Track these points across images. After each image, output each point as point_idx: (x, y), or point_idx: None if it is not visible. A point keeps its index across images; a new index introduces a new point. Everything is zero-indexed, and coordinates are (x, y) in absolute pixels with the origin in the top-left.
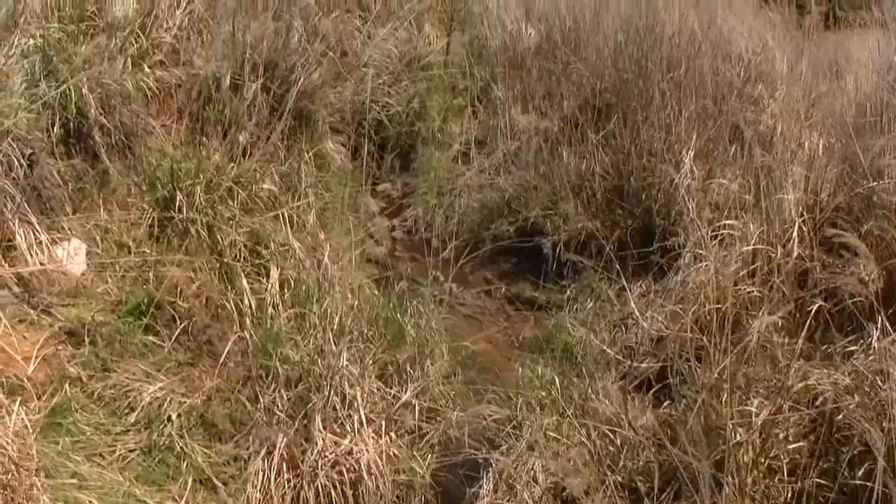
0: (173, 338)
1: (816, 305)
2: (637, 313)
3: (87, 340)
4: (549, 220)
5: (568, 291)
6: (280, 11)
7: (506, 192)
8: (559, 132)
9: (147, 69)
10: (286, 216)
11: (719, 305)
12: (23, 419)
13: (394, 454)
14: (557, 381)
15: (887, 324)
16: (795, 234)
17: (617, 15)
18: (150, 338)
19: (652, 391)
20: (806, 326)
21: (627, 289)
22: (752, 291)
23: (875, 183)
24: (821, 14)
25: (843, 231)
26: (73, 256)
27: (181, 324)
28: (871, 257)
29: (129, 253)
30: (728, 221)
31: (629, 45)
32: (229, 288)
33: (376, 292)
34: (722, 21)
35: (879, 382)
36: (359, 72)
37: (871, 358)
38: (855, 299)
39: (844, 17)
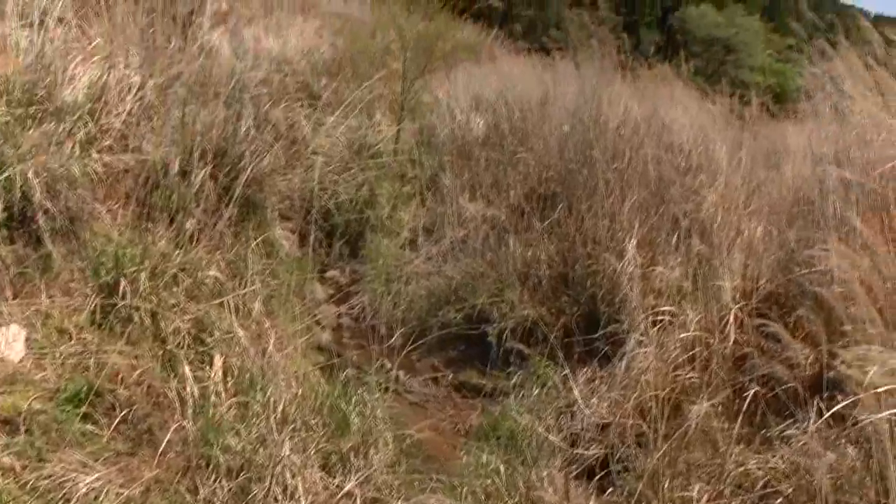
0: (112, 426)
1: (753, 391)
2: (581, 400)
3: (22, 429)
4: (496, 307)
5: (514, 378)
6: (231, 99)
7: (453, 279)
8: (506, 220)
9: (95, 154)
10: (232, 303)
11: (660, 392)
12: None
13: None
14: (502, 469)
15: (821, 406)
16: (732, 320)
17: (563, 106)
18: (89, 426)
19: (596, 478)
20: (743, 411)
21: (571, 377)
22: (692, 377)
23: (806, 271)
24: (760, 105)
25: (773, 321)
26: (11, 343)
27: (121, 412)
28: (798, 345)
29: (70, 339)
30: (667, 308)
31: (575, 135)
32: (172, 376)
33: (322, 380)
34: (665, 112)
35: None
36: (308, 159)
37: (801, 443)
38: (786, 385)
39: (782, 108)
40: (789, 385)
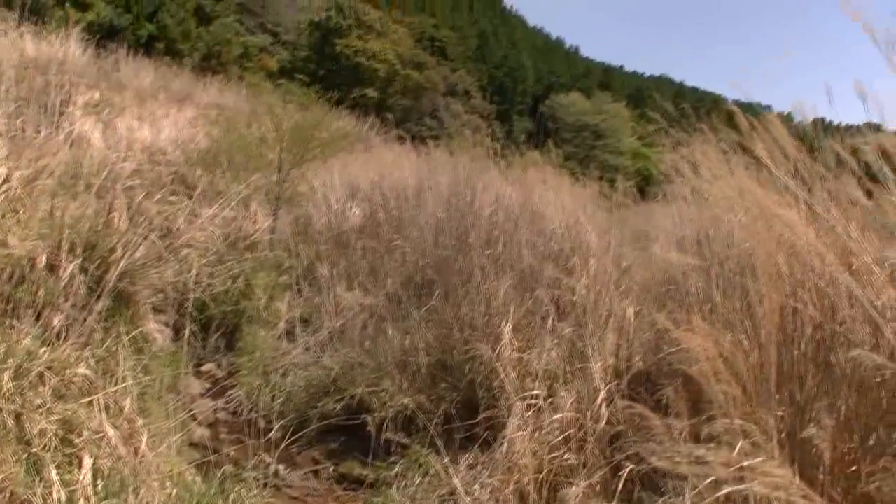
0: None
1: (628, 468)
2: (461, 488)
3: None
4: (376, 396)
5: (396, 468)
6: (103, 190)
7: (332, 370)
8: (384, 308)
9: None
10: (102, 402)
11: (538, 475)
12: None
13: None
14: None
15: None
16: (603, 400)
17: (438, 194)
18: None
19: None
20: (619, 490)
21: (451, 465)
22: (569, 458)
23: (674, 349)
24: (628, 188)
25: (644, 399)
26: None
27: None
28: (660, 425)
29: None
30: (538, 392)
31: (450, 222)
32: (37, 480)
33: (198, 479)
34: (537, 197)
35: None
36: (183, 251)
37: None
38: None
39: (650, 190)
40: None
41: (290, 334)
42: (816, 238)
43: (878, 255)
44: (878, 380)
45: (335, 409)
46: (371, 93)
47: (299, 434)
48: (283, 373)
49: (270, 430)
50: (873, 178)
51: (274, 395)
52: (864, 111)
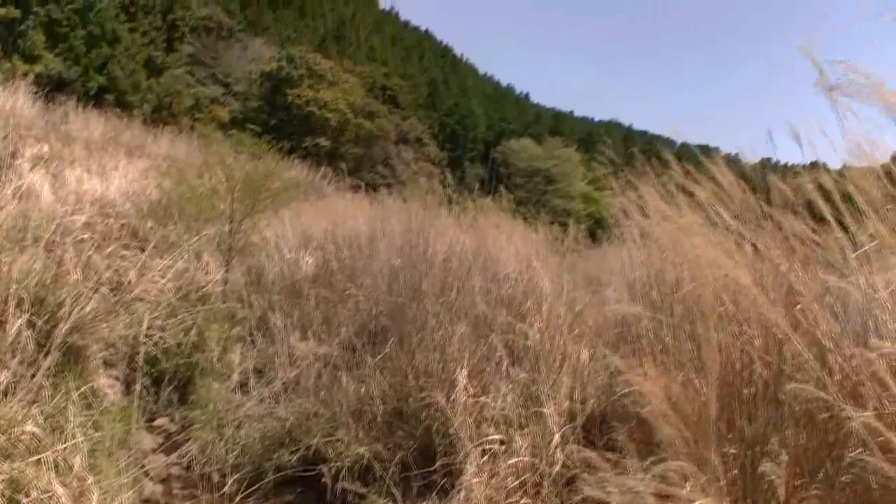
0: None
1: None
2: None
3: None
4: (332, 446)
5: None
6: (51, 244)
7: (287, 420)
8: (338, 357)
9: None
10: (51, 459)
11: None
12: None
13: None
14: None
15: None
16: (557, 443)
17: (392, 241)
18: None
19: None
20: None
21: None
22: (524, 502)
23: (625, 391)
24: (580, 232)
25: (596, 442)
26: None
27: None
28: (610, 470)
29: None
30: (494, 437)
31: (404, 270)
32: None
33: None
34: (490, 243)
35: None
36: (134, 305)
37: None
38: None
39: (602, 233)
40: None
41: (243, 386)
42: (753, 282)
43: (820, 290)
44: (825, 415)
45: (291, 460)
46: (323, 142)
47: (254, 487)
48: (237, 425)
49: (225, 484)
50: (815, 215)
51: (228, 449)
52: (801, 152)
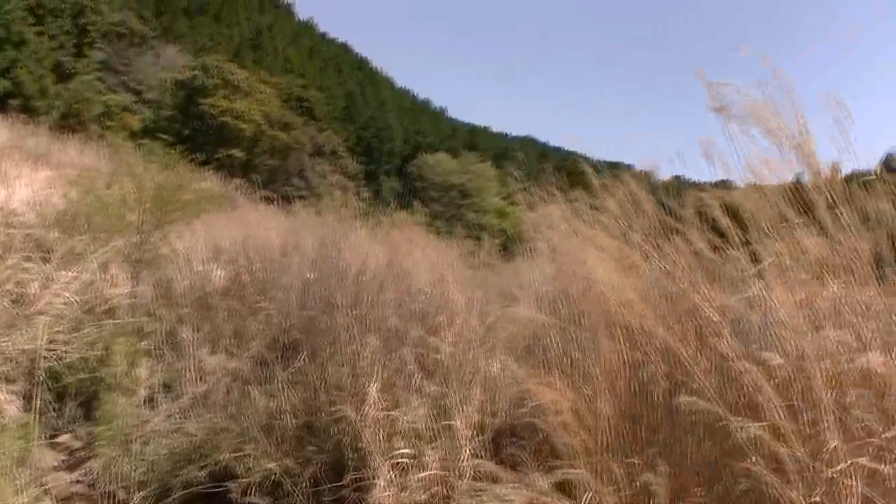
0: None
1: None
2: None
3: None
4: (241, 461)
5: None
6: None
7: (195, 436)
8: (248, 372)
9: None
10: None
11: None
12: None
13: None
14: None
15: None
16: (467, 456)
17: (304, 255)
18: None
19: None
20: None
21: None
22: None
23: (533, 403)
24: (494, 246)
25: (503, 454)
26: None
27: None
28: (513, 481)
29: None
30: (404, 451)
31: (316, 283)
32: None
33: None
34: (404, 257)
35: None
36: (36, 318)
37: None
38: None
39: (516, 247)
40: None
41: (151, 401)
42: (640, 297)
43: (721, 305)
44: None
45: (199, 476)
46: (237, 153)
47: None
48: (144, 441)
49: (130, 501)
50: (720, 232)
51: (134, 465)
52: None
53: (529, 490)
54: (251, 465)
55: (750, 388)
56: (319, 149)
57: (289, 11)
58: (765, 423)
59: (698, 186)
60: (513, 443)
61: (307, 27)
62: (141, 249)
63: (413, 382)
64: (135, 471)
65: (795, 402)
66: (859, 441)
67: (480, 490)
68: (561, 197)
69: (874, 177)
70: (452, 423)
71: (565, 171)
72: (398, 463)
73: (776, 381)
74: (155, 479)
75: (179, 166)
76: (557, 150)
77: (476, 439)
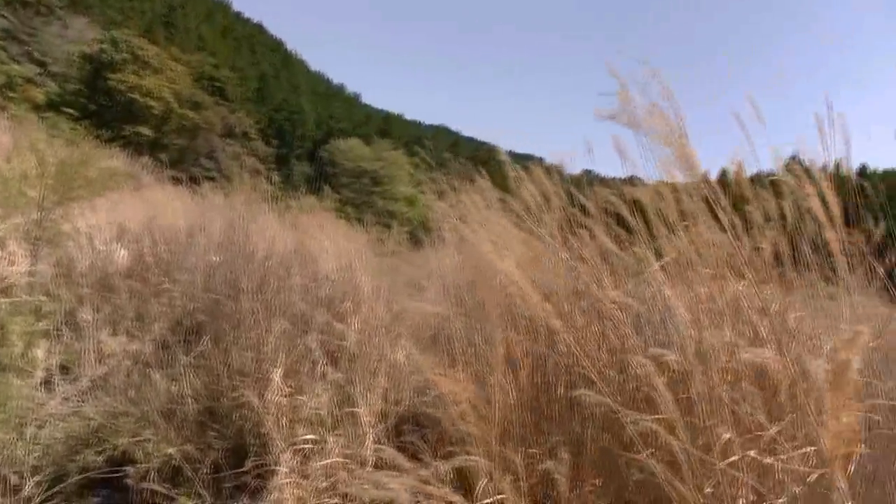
0: None
1: None
2: None
3: None
4: (141, 446)
5: None
6: None
7: (93, 420)
8: (150, 355)
9: None
10: None
11: None
12: None
13: None
14: None
15: None
16: (370, 443)
17: (211, 237)
18: None
19: None
20: None
21: None
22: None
23: (435, 392)
24: (405, 234)
25: (403, 444)
26: None
27: None
28: (410, 467)
29: None
30: (307, 438)
31: (222, 266)
32: None
33: None
34: (312, 242)
35: None
36: None
37: None
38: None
39: (426, 235)
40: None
41: (48, 384)
42: (534, 290)
43: (622, 299)
44: (616, 416)
45: (96, 461)
46: (145, 131)
47: (56, 489)
48: (39, 425)
49: (23, 486)
50: (627, 227)
51: (28, 449)
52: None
53: (413, 478)
54: (150, 451)
55: (646, 382)
56: (230, 130)
57: None
58: (659, 417)
59: (607, 182)
60: (415, 431)
61: (221, 5)
62: (41, 227)
63: (318, 369)
64: (29, 455)
65: (691, 396)
66: (750, 435)
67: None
68: (471, 187)
69: (777, 176)
70: (356, 410)
71: (478, 160)
72: (300, 450)
73: (672, 375)
74: (50, 463)
75: (84, 142)
76: (470, 140)
77: (379, 427)
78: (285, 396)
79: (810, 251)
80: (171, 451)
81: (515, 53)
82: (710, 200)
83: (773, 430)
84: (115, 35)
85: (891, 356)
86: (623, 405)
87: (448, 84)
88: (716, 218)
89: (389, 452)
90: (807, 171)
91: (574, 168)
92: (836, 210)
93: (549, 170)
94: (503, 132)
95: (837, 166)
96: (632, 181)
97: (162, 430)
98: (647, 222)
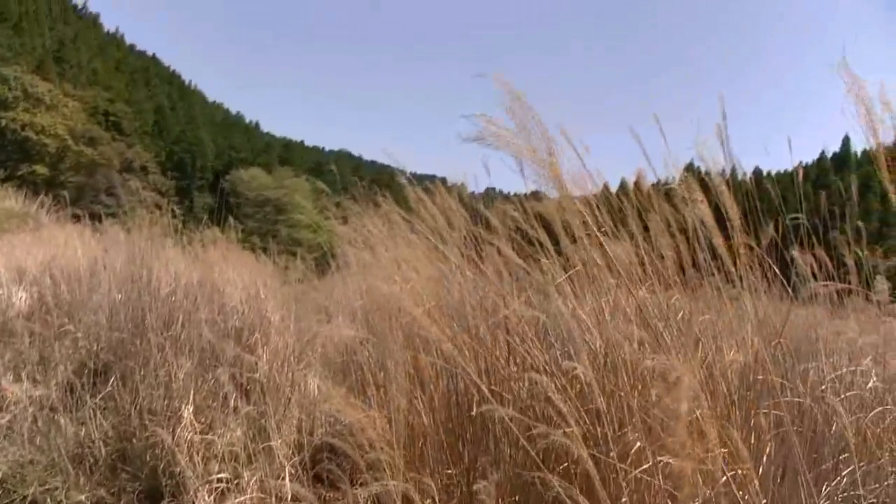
0: None
1: None
2: None
3: None
4: (50, 495)
5: None
6: None
7: None
8: (56, 399)
9: None
10: None
11: None
12: None
13: None
14: None
15: None
16: (288, 476)
17: (114, 274)
18: None
19: None
20: None
21: None
22: None
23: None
24: (312, 261)
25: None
26: None
27: None
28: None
29: None
30: (222, 475)
31: (126, 304)
32: None
33: None
34: (217, 275)
35: None
36: None
37: None
38: None
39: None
40: None
41: None
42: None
43: (528, 313)
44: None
45: None
46: (41, 169)
47: None
48: None
49: None
50: (532, 242)
51: None
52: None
53: None
54: (61, 499)
55: (556, 396)
56: (129, 164)
57: (95, 22)
58: (569, 430)
59: (509, 198)
60: (331, 459)
61: (114, 38)
62: None
63: (230, 403)
64: None
65: (601, 406)
66: (661, 441)
67: None
68: (374, 210)
69: (676, 186)
70: (271, 443)
71: (381, 183)
72: (216, 487)
73: (580, 386)
74: None
75: None
76: (372, 163)
77: (295, 458)
78: (198, 433)
79: (711, 256)
80: (81, 497)
81: (416, 77)
82: (614, 211)
83: (679, 433)
84: (4, 72)
85: (794, 351)
86: (535, 419)
87: (348, 108)
88: (620, 227)
89: (299, 488)
90: (702, 178)
91: (477, 186)
92: (733, 214)
93: (451, 189)
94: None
95: (733, 172)
96: (536, 196)
97: (72, 477)
98: (552, 236)
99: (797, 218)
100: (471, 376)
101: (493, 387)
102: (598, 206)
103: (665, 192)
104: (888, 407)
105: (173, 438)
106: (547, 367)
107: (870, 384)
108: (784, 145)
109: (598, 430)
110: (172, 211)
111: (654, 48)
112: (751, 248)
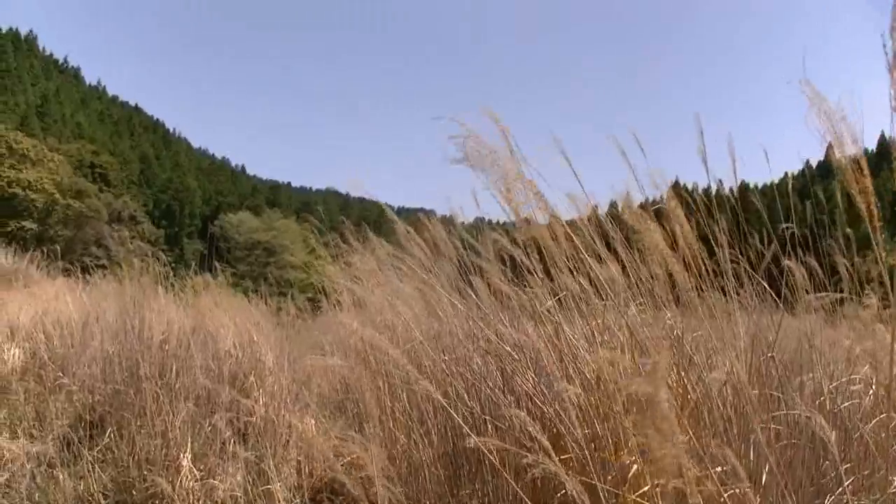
0: None
1: None
2: None
3: None
4: None
5: None
6: None
7: None
8: (53, 455)
9: None
10: None
11: None
12: None
13: None
14: None
15: None
16: None
17: (106, 326)
18: None
19: None
20: None
21: None
22: None
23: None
24: (304, 300)
25: None
26: None
27: None
28: None
29: None
30: None
31: (119, 354)
32: None
33: None
34: (210, 321)
35: None
36: None
37: None
38: None
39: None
40: None
41: None
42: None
43: (520, 340)
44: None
45: None
46: (29, 225)
47: None
48: None
49: None
50: (523, 268)
51: None
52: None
53: None
54: None
55: (551, 422)
56: (118, 215)
57: (76, 76)
58: (566, 457)
59: (498, 227)
60: (331, 500)
61: (96, 91)
62: None
63: (228, 448)
64: None
65: (597, 430)
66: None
67: None
68: (364, 247)
69: (663, 204)
70: (270, 486)
71: (369, 220)
72: None
73: (577, 412)
74: None
75: None
76: (360, 200)
77: (295, 500)
78: (197, 480)
79: (705, 272)
80: None
81: (399, 110)
82: (603, 234)
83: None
84: None
85: (790, 363)
86: (527, 449)
87: (333, 147)
88: (611, 249)
89: None
90: (688, 194)
91: (467, 217)
92: (718, 231)
93: (441, 221)
94: (392, 190)
95: (719, 187)
96: (526, 221)
97: None
98: (542, 261)
99: (788, 227)
100: (457, 416)
101: (485, 415)
102: (588, 230)
103: (653, 211)
104: (893, 415)
105: (173, 488)
106: (536, 397)
107: (870, 392)
108: (773, 155)
109: (598, 454)
110: (163, 259)
111: (647, 51)
112: (736, 261)
